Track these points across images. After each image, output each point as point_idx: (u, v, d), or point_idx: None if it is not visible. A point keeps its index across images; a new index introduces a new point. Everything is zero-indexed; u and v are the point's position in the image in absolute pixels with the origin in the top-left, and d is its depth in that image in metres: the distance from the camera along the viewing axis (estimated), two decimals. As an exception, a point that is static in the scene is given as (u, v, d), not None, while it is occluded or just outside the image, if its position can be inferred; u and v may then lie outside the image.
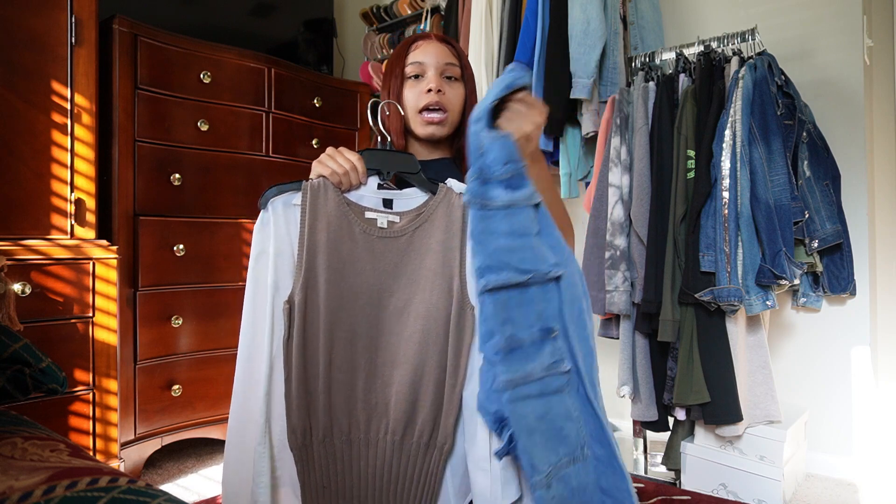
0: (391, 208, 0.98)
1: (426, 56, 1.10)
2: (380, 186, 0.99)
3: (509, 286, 0.85)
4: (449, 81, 1.11)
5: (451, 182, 0.99)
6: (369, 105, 1.04)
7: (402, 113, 1.13)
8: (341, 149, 0.99)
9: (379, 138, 1.03)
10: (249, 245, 2.23)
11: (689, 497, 1.75)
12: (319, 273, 0.93)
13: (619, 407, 2.43)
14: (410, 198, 0.99)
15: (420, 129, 1.11)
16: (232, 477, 0.93)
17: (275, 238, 0.93)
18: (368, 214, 0.96)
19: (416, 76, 1.11)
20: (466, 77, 1.13)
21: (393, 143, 1.08)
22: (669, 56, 1.91)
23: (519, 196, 0.86)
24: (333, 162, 0.95)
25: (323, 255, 0.93)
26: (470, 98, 1.13)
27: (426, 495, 0.96)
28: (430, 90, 1.08)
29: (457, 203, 0.96)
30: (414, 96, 1.10)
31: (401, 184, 1.01)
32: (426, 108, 1.09)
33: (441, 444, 0.94)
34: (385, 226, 0.96)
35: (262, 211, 0.94)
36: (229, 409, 0.95)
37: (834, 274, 1.91)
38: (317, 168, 0.96)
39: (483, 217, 0.86)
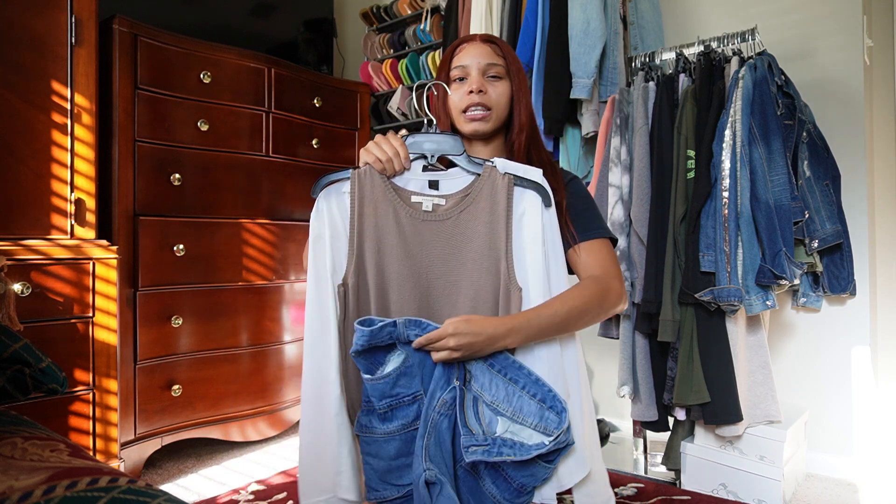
0: (438, 189, 1.02)
1: (469, 58, 1.14)
2: (425, 169, 1.03)
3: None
4: (492, 81, 1.14)
5: (497, 161, 1.02)
6: (414, 88, 1.09)
7: (448, 104, 1.17)
8: (389, 135, 1.04)
9: (426, 121, 1.08)
10: (249, 245, 2.24)
11: (689, 497, 1.75)
12: (367, 257, 0.99)
13: (619, 407, 2.43)
14: (455, 178, 1.03)
15: (465, 126, 1.15)
16: (311, 449, 0.97)
17: (329, 224, 1.00)
18: (414, 198, 1.00)
19: (461, 79, 1.15)
20: (512, 72, 1.15)
21: (438, 127, 1.13)
22: (669, 56, 1.91)
23: (394, 427, 0.96)
24: (378, 149, 1.01)
25: (371, 239, 0.99)
26: (517, 93, 1.15)
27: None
28: (471, 91, 1.12)
29: (501, 184, 0.99)
30: (459, 98, 1.15)
31: (450, 166, 1.05)
32: (469, 108, 1.13)
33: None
34: (430, 209, 1.00)
35: (316, 199, 1.01)
36: (301, 390, 1.00)
37: (834, 274, 1.91)
38: (363, 156, 1.02)
39: (368, 441, 0.98)
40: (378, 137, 1.03)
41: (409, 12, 2.86)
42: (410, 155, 1.03)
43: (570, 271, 1.11)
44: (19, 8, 1.54)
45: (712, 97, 1.74)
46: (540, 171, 1.03)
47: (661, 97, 1.81)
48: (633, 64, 1.98)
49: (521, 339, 0.95)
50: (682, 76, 1.83)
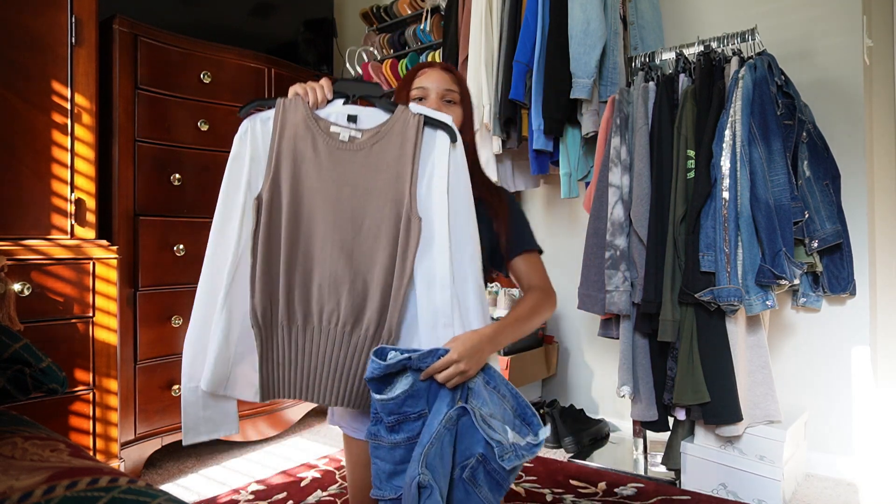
0: (356, 124, 1.12)
1: (429, 82, 1.24)
2: (345, 104, 1.13)
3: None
4: (447, 105, 1.24)
5: (411, 105, 1.13)
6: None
7: None
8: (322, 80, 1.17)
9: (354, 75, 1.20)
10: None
11: (689, 497, 1.75)
12: (283, 177, 1.08)
13: (619, 407, 2.43)
14: (372, 116, 1.12)
15: None
16: (193, 344, 1.06)
17: (251, 146, 1.08)
18: (333, 129, 1.10)
19: (420, 99, 1.24)
20: (465, 101, 1.27)
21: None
22: (669, 56, 1.91)
23: (400, 438, 1.04)
24: (305, 85, 1.13)
25: (288, 160, 1.09)
26: (467, 120, 1.27)
27: (349, 376, 1.12)
28: None
29: (412, 122, 1.10)
30: None
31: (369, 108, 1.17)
32: None
33: (385, 338, 1.07)
34: (346, 140, 1.10)
35: (242, 122, 1.10)
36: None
37: (834, 274, 1.91)
38: (291, 89, 1.13)
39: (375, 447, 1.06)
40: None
41: (409, 12, 2.86)
42: (336, 94, 1.14)
43: (496, 265, 1.27)
44: (19, 8, 1.54)
45: (712, 97, 1.74)
46: (450, 116, 1.13)
47: (661, 97, 1.81)
48: (633, 64, 1.98)
49: (500, 344, 1.10)
50: (682, 76, 1.83)
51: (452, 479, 1.01)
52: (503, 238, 1.22)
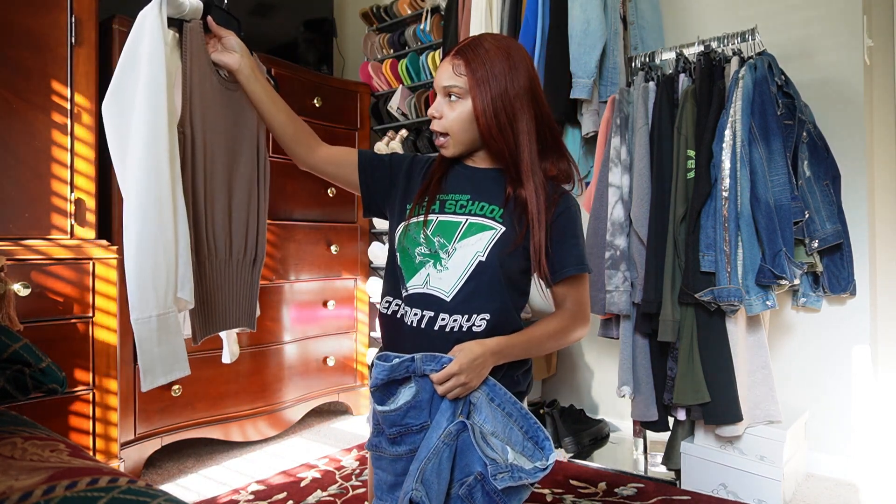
0: None
1: (436, 79, 1.13)
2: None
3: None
4: (451, 102, 1.09)
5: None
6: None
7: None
8: None
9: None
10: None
11: (689, 497, 1.75)
12: (196, 114, 1.15)
13: (619, 407, 2.43)
14: None
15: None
16: (140, 274, 1.06)
17: (168, 67, 1.08)
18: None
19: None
20: (480, 87, 1.06)
21: None
22: (669, 56, 1.91)
23: (402, 450, 1.04)
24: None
25: (197, 95, 1.15)
26: (479, 109, 1.06)
27: (254, 300, 1.34)
28: (430, 116, 1.14)
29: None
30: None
31: None
32: (434, 133, 1.15)
33: (260, 260, 1.33)
34: (227, 76, 1.21)
35: (149, 17, 1.08)
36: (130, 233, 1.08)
37: (834, 274, 1.90)
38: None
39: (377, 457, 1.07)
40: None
41: (409, 12, 2.86)
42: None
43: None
44: (19, 8, 1.54)
45: (712, 97, 1.73)
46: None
47: (661, 97, 1.81)
48: (633, 64, 1.98)
49: (507, 358, 1.06)
50: (682, 76, 1.83)
51: (450, 496, 0.99)
52: (541, 256, 1.06)
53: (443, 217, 1.11)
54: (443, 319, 1.06)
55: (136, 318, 1.06)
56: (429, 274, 1.08)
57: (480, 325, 1.06)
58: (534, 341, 1.08)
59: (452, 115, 1.09)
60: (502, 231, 1.07)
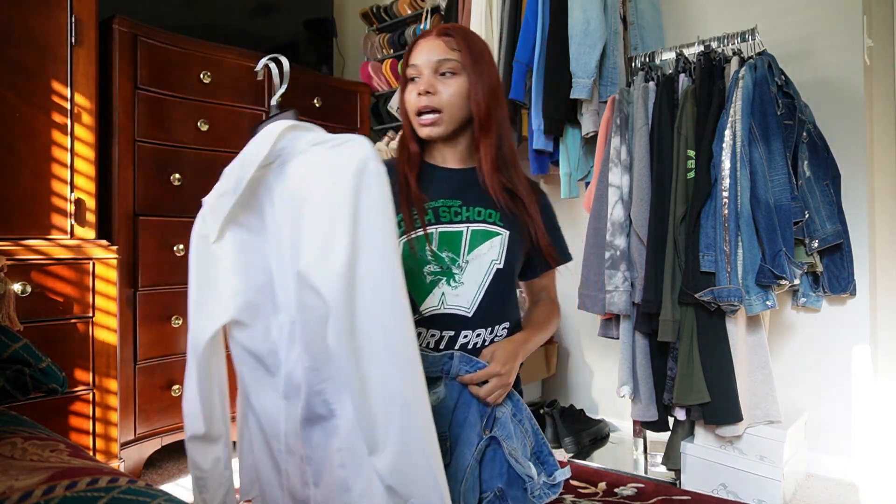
0: None
1: (421, 56, 1.06)
2: None
3: None
4: (445, 78, 1.05)
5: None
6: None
7: (405, 107, 1.11)
8: None
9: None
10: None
11: (689, 497, 1.74)
12: None
13: (619, 407, 2.43)
14: None
15: (420, 131, 1.09)
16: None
17: None
18: None
19: (413, 79, 1.08)
20: (477, 65, 1.05)
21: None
22: (669, 56, 1.91)
23: None
24: None
25: None
26: (475, 86, 1.04)
27: None
28: (420, 93, 1.05)
29: None
30: (411, 100, 1.08)
31: None
32: (420, 112, 1.07)
33: None
34: None
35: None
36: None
37: (834, 274, 1.90)
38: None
39: None
40: None
41: (409, 12, 2.86)
42: None
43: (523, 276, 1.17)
44: (19, 8, 1.54)
45: (712, 97, 1.73)
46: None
47: (661, 97, 1.81)
48: (633, 64, 1.98)
49: (529, 352, 1.07)
50: (682, 76, 1.83)
51: None
52: (543, 248, 1.09)
53: (442, 228, 1.05)
54: (465, 336, 1.02)
55: None
56: (444, 293, 1.03)
57: (501, 335, 1.05)
58: (541, 333, 1.11)
59: (449, 91, 1.04)
60: (508, 235, 1.06)
